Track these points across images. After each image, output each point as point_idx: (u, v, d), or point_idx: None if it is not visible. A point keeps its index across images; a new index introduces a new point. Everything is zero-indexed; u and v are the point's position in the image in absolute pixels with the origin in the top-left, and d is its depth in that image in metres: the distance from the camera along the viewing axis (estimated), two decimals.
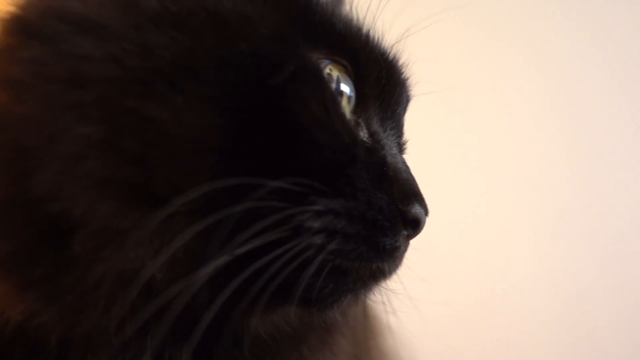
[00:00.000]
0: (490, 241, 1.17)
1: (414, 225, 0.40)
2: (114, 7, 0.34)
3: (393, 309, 0.47)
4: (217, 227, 0.32)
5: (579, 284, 1.19)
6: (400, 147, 0.48)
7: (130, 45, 0.33)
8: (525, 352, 1.14)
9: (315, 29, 0.40)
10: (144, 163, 0.33)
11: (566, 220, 1.22)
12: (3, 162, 0.33)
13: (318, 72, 0.38)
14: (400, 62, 0.47)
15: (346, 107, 0.41)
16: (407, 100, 0.50)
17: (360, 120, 0.42)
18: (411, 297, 0.48)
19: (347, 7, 0.46)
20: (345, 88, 0.41)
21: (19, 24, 0.35)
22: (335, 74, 0.40)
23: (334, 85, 0.40)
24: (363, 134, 0.42)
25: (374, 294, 0.44)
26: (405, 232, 0.40)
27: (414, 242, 0.43)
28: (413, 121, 0.51)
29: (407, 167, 0.43)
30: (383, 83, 0.44)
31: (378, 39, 0.45)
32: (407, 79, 0.49)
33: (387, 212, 0.38)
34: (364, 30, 0.44)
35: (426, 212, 0.41)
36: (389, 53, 0.46)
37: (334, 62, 0.40)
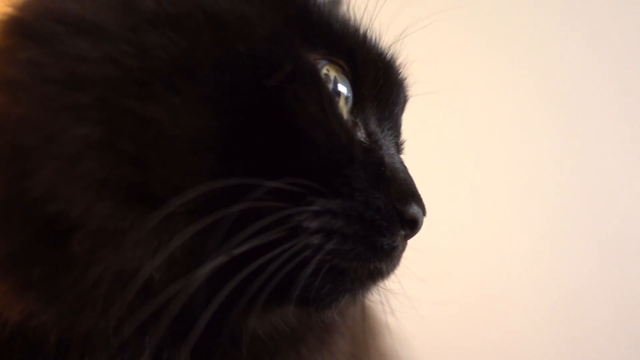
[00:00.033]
0: (488, 241, 1.17)
1: (412, 225, 0.40)
2: (111, 8, 0.34)
3: (391, 309, 0.47)
4: (214, 228, 0.33)
5: (577, 283, 1.19)
6: (398, 147, 0.48)
7: (128, 46, 0.33)
8: (524, 352, 1.14)
9: (313, 30, 0.40)
10: (142, 163, 0.33)
11: (564, 219, 1.22)
12: (1, 162, 0.33)
13: (315, 73, 0.39)
14: (398, 62, 0.47)
15: (343, 108, 0.41)
16: (405, 101, 0.50)
17: (357, 120, 0.42)
18: (409, 297, 0.48)
19: (344, 8, 0.46)
20: (343, 88, 0.41)
21: (16, 25, 0.35)
22: (332, 74, 0.40)
23: (331, 86, 0.40)
24: (360, 134, 0.42)
25: (372, 294, 0.44)
26: (403, 232, 0.40)
27: (411, 242, 0.43)
28: (411, 121, 0.51)
29: (404, 167, 0.43)
30: (380, 83, 0.44)
31: (375, 40, 0.45)
32: (405, 79, 0.49)
33: (385, 212, 0.38)
34: (362, 30, 0.44)
35: (424, 212, 0.41)
36: (387, 53, 0.46)
37: (331, 62, 0.40)
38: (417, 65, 0.50)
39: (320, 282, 0.36)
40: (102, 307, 0.33)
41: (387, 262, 0.40)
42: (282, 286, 0.34)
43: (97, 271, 0.32)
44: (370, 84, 0.43)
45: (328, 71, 0.40)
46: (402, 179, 0.41)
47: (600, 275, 1.20)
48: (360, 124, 0.42)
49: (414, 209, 0.40)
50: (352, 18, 0.44)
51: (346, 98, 0.41)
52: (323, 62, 0.40)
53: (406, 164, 0.44)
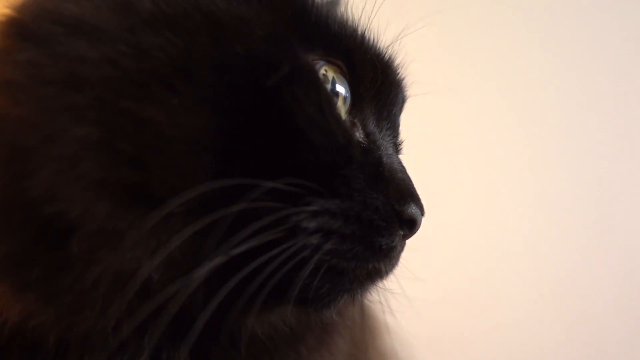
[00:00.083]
0: (486, 240, 1.17)
1: (410, 225, 0.40)
2: (109, 9, 0.34)
3: (390, 309, 0.47)
4: (213, 228, 0.33)
5: (576, 282, 1.19)
6: (396, 148, 0.48)
7: (125, 47, 0.33)
8: (523, 351, 1.14)
9: (311, 30, 0.40)
10: (140, 164, 0.33)
11: (563, 218, 1.22)
12: (1, 162, 0.33)
13: (313, 73, 0.39)
14: (396, 62, 0.48)
15: (342, 108, 0.41)
16: (403, 101, 0.50)
17: (356, 120, 0.42)
18: (408, 297, 0.48)
19: (342, 8, 0.46)
20: (341, 89, 0.41)
21: (14, 26, 0.35)
22: (330, 74, 0.40)
23: (329, 86, 0.40)
24: (359, 135, 0.42)
25: (371, 294, 0.44)
26: (402, 232, 0.40)
27: (410, 242, 0.43)
28: (409, 121, 0.51)
29: (403, 167, 0.43)
30: (379, 84, 0.44)
31: (373, 40, 0.45)
32: (403, 79, 0.49)
33: (383, 212, 0.38)
34: (360, 31, 0.44)
35: (422, 212, 0.41)
36: (385, 54, 0.46)
37: (329, 63, 0.40)
38: (415, 66, 0.50)
39: (318, 282, 0.36)
40: (101, 307, 0.33)
41: (385, 262, 0.40)
42: (281, 286, 0.34)
43: (96, 271, 0.32)
44: (368, 84, 0.44)
45: (326, 71, 0.40)
46: (401, 179, 0.41)
47: (600, 275, 1.20)
48: (358, 124, 0.42)
49: (412, 209, 0.40)
50: (350, 18, 0.44)
51: (344, 98, 0.41)
52: (321, 62, 0.40)
53: (404, 164, 0.44)
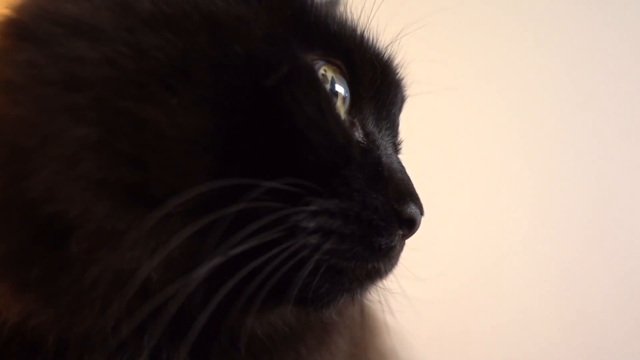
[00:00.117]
0: (486, 240, 1.17)
1: (410, 225, 0.40)
2: (108, 9, 0.34)
3: (390, 308, 0.47)
4: (212, 228, 0.33)
5: (576, 281, 1.19)
6: (396, 147, 0.48)
7: (124, 47, 0.33)
8: (523, 351, 1.14)
9: (310, 30, 0.40)
10: (139, 164, 0.33)
11: (562, 218, 1.22)
12: (0, 163, 0.33)
13: (312, 73, 0.39)
14: (395, 62, 0.48)
15: (341, 108, 0.41)
16: (402, 101, 0.50)
17: (355, 120, 0.42)
18: (408, 297, 0.48)
19: (341, 8, 0.46)
20: (340, 89, 0.41)
21: (13, 26, 0.35)
22: (329, 74, 0.40)
23: (328, 86, 0.40)
24: (358, 135, 0.42)
25: (370, 294, 0.44)
26: (401, 232, 0.40)
27: (409, 242, 0.43)
28: (408, 121, 0.51)
29: (402, 167, 0.43)
30: (378, 83, 0.44)
31: (373, 40, 0.45)
32: (402, 79, 0.49)
33: (383, 212, 0.38)
34: (359, 30, 0.44)
35: (421, 212, 0.41)
36: (384, 53, 0.46)
37: (329, 62, 0.40)
38: (415, 65, 0.50)
39: (318, 282, 0.36)
40: (101, 307, 0.33)
41: (385, 262, 0.40)
42: (280, 286, 0.34)
43: (96, 271, 0.32)
44: (367, 84, 0.44)
45: (325, 71, 0.40)
46: (400, 178, 0.41)
47: (600, 275, 1.20)
48: (357, 124, 0.42)
49: (412, 209, 0.40)
50: (350, 18, 0.44)
51: (343, 98, 0.41)
52: (320, 62, 0.40)
53: (404, 163, 0.44)
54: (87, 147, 0.32)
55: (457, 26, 1.14)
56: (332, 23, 0.42)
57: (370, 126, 0.44)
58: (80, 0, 0.35)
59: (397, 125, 0.49)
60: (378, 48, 0.45)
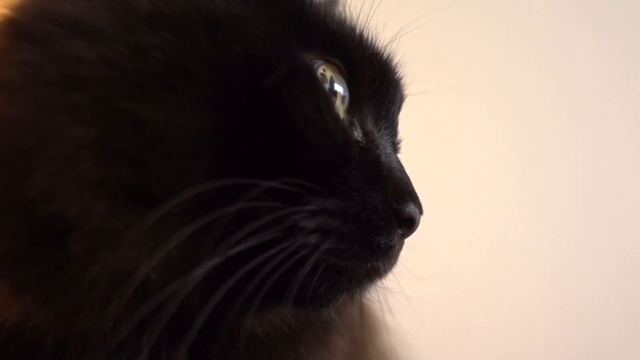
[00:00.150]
0: (485, 239, 1.17)
1: (409, 224, 0.40)
2: (107, 9, 0.34)
3: (389, 308, 0.47)
4: (211, 228, 0.33)
5: (576, 281, 1.19)
6: (395, 147, 0.48)
7: (123, 47, 0.33)
8: (522, 350, 1.14)
9: (309, 30, 0.40)
10: (138, 164, 0.33)
11: (562, 217, 1.22)
12: None
13: (311, 73, 0.39)
14: (394, 61, 0.47)
15: (340, 107, 0.41)
16: (401, 100, 0.50)
17: (354, 120, 0.42)
18: (407, 296, 0.48)
19: (340, 8, 0.46)
20: (339, 88, 0.41)
21: (12, 26, 0.35)
22: (328, 74, 0.40)
23: (327, 86, 0.40)
24: (357, 134, 0.42)
25: (369, 293, 0.44)
26: (400, 231, 0.40)
27: (409, 241, 0.43)
28: (407, 120, 0.51)
29: (401, 166, 0.43)
30: (377, 83, 0.44)
31: (372, 39, 0.45)
32: (401, 78, 0.49)
33: (382, 212, 0.38)
34: (358, 30, 0.44)
35: (420, 211, 0.41)
36: (383, 53, 0.46)
37: (328, 62, 0.40)
38: (414, 65, 0.50)
39: (317, 282, 0.36)
40: (100, 307, 0.33)
41: (384, 261, 0.40)
42: (279, 286, 0.34)
43: (95, 271, 0.32)
44: (366, 83, 0.44)
45: (324, 71, 0.40)
46: (399, 178, 0.41)
47: (600, 275, 1.20)
48: (356, 123, 0.42)
49: (411, 208, 0.40)
50: (348, 18, 0.44)
51: (343, 98, 0.41)
52: (319, 62, 0.40)
53: (403, 163, 0.44)
54: (86, 147, 0.32)
55: (456, 25, 1.14)
56: (331, 22, 0.42)
57: (369, 125, 0.44)
58: (79, 0, 0.35)
59: (396, 125, 0.49)
60: (377, 47, 0.45)
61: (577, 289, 1.19)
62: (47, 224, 0.32)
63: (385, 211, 0.38)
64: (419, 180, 0.43)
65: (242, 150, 0.35)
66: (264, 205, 0.34)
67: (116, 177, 0.32)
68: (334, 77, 0.41)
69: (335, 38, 0.41)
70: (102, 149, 0.32)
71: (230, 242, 0.32)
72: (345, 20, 0.44)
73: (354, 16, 0.45)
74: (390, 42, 0.47)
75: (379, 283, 0.43)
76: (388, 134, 0.46)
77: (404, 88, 0.49)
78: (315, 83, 0.38)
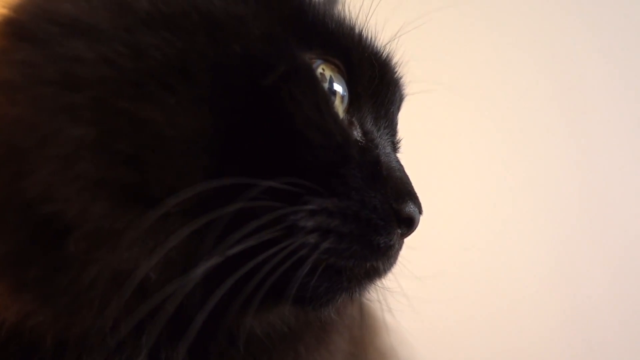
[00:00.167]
0: (485, 239, 1.17)
1: (408, 224, 0.40)
2: (105, 8, 0.34)
3: (389, 307, 0.47)
4: (210, 227, 0.33)
5: (576, 280, 1.19)
6: (394, 146, 0.48)
7: (122, 46, 0.33)
8: (522, 349, 1.14)
9: (308, 29, 0.40)
10: (137, 164, 0.33)
11: (561, 216, 1.22)
12: None
13: (310, 72, 0.39)
14: (394, 61, 0.48)
15: (339, 107, 0.41)
16: (401, 99, 0.50)
17: (353, 119, 0.42)
18: (407, 295, 0.48)
19: (339, 7, 0.46)
20: (338, 87, 0.41)
21: (10, 26, 0.35)
22: (328, 73, 0.40)
23: (326, 85, 0.40)
24: (356, 133, 0.42)
25: (369, 293, 0.44)
26: (400, 231, 0.40)
27: (408, 241, 0.43)
28: (407, 120, 0.51)
29: (400, 165, 0.43)
30: (376, 82, 0.44)
31: (371, 38, 0.45)
32: (401, 77, 0.49)
33: (381, 211, 0.38)
34: (357, 29, 0.44)
35: (420, 211, 0.41)
36: (382, 52, 0.46)
37: (327, 61, 0.40)
38: (413, 64, 0.50)
39: (316, 281, 0.36)
40: (99, 307, 0.33)
41: (383, 261, 0.40)
42: (279, 285, 0.34)
43: (94, 271, 0.32)
44: (366, 83, 0.44)
45: (324, 70, 0.40)
46: (399, 177, 0.41)
47: (600, 275, 1.20)
48: (356, 123, 0.42)
49: (410, 208, 0.40)
50: (348, 17, 0.44)
51: (342, 97, 0.41)
52: (318, 61, 0.40)
53: (402, 162, 0.44)
54: (85, 147, 0.32)
55: (455, 25, 1.14)
56: (330, 22, 0.42)
57: (369, 125, 0.44)
58: (78, 0, 0.35)
59: (396, 124, 0.49)
60: (376, 47, 0.45)
61: (577, 288, 1.19)
62: (46, 224, 0.32)
63: (384, 211, 0.38)
64: (418, 180, 0.43)
65: (241, 150, 0.35)
66: (263, 205, 0.34)
67: (115, 177, 0.32)
68: (333, 76, 0.41)
69: (334, 37, 0.41)
70: (101, 149, 0.32)
71: (230, 241, 0.32)
72: (344, 19, 0.44)
73: (353, 15, 0.45)
74: (389, 42, 0.47)
75: (378, 283, 0.43)
76: (387, 134, 0.46)
77: (403, 87, 0.49)
78: (314, 82, 0.38)
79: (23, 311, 0.33)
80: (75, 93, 0.32)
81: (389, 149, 0.44)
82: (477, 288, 1.13)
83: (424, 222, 0.42)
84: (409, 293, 0.48)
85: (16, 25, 0.35)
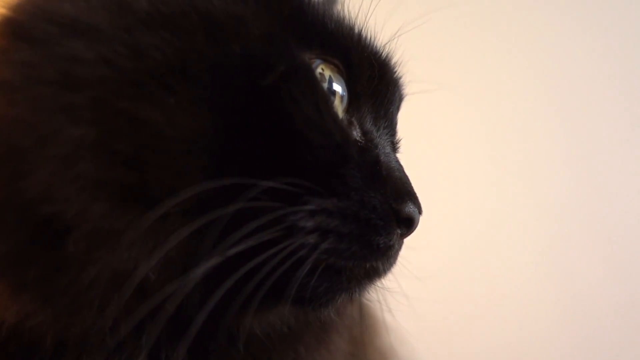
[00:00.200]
0: (484, 239, 1.17)
1: (408, 224, 0.40)
2: (105, 8, 0.34)
3: (389, 308, 0.47)
4: (210, 228, 0.33)
5: (574, 279, 1.19)
6: (394, 146, 0.48)
7: (121, 46, 0.33)
8: (522, 349, 1.14)
9: (307, 29, 0.40)
10: (137, 164, 0.33)
11: (560, 216, 1.22)
12: None
13: (310, 72, 0.39)
14: (393, 60, 0.48)
15: (339, 107, 0.41)
16: (400, 99, 0.50)
17: (353, 119, 0.42)
18: (406, 296, 0.48)
19: (339, 7, 0.46)
20: (338, 87, 0.41)
21: (9, 26, 0.35)
22: (327, 73, 0.40)
23: (326, 85, 0.40)
24: (356, 133, 0.42)
25: (369, 293, 0.44)
26: (399, 231, 0.40)
27: (408, 241, 0.43)
28: (406, 120, 0.51)
29: (400, 165, 0.43)
30: (376, 82, 0.44)
31: (370, 38, 0.45)
32: (400, 77, 0.49)
33: (381, 211, 0.38)
34: (356, 29, 0.44)
35: (420, 211, 0.41)
36: (382, 52, 0.46)
37: (326, 61, 0.40)
38: (413, 64, 0.50)
39: (316, 282, 0.36)
40: (99, 307, 0.33)
41: (383, 261, 0.40)
42: (278, 286, 0.34)
43: (93, 272, 0.32)
44: (365, 82, 0.44)
45: (323, 70, 0.40)
46: (398, 177, 0.41)
47: (600, 275, 1.20)
48: (355, 122, 0.42)
49: (410, 208, 0.40)
50: (347, 17, 0.44)
51: (341, 97, 0.41)
52: (318, 61, 0.40)
53: (402, 162, 0.44)
54: (84, 147, 0.32)
55: (455, 25, 1.14)
56: (329, 22, 0.42)
57: (368, 125, 0.43)
58: (77, 0, 0.35)
59: (395, 124, 0.49)
60: (376, 46, 0.45)
61: (577, 288, 1.19)
62: (45, 224, 0.32)
63: (384, 211, 0.38)
64: (418, 180, 0.43)
65: (240, 150, 0.35)
66: (263, 205, 0.34)
67: (115, 177, 0.32)
68: (332, 76, 0.41)
69: (333, 37, 0.41)
70: (100, 149, 0.32)
71: (229, 242, 0.32)
72: (343, 19, 0.44)
73: (353, 15, 0.45)
74: (389, 41, 0.47)
75: (378, 283, 0.43)
76: (387, 134, 0.46)
77: (402, 87, 0.49)
78: (314, 82, 0.38)
79: (23, 311, 0.33)
80: (74, 93, 0.32)
81: (388, 149, 0.44)
82: (477, 288, 1.13)
83: (423, 222, 0.42)
84: (409, 293, 0.48)
85: (15, 25, 0.35)
